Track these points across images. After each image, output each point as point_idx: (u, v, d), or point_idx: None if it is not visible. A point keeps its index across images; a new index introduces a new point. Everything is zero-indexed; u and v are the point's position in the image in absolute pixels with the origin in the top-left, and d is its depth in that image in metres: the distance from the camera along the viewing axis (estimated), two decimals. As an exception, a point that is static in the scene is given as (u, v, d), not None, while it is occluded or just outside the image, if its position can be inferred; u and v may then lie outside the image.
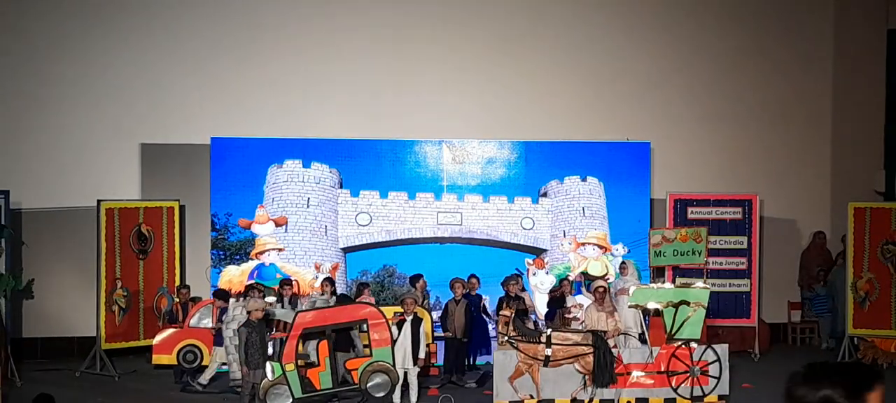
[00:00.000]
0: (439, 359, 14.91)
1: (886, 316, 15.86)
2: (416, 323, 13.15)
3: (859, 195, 17.43)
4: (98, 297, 15.39)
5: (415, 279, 14.91)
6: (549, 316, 14.75)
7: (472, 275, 14.99)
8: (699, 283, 13.45)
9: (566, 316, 14.12)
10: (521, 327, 12.76)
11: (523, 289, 15.11)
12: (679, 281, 15.36)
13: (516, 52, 17.53)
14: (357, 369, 12.75)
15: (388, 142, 16.16)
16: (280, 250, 15.79)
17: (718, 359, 12.81)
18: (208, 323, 14.48)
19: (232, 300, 14.16)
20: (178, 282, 15.73)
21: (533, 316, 15.19)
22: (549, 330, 13.00)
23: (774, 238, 17.81)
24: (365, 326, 12.71)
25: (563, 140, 16.54)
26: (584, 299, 14.44)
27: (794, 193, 18.17)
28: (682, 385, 12.71)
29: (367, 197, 15.99)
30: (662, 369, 12.70)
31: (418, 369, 13.13)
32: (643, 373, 12.72)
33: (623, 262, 15.04)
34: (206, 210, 15.92)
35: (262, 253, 15.77)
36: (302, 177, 15.89)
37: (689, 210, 16.37)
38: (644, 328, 13.06)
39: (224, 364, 13.84)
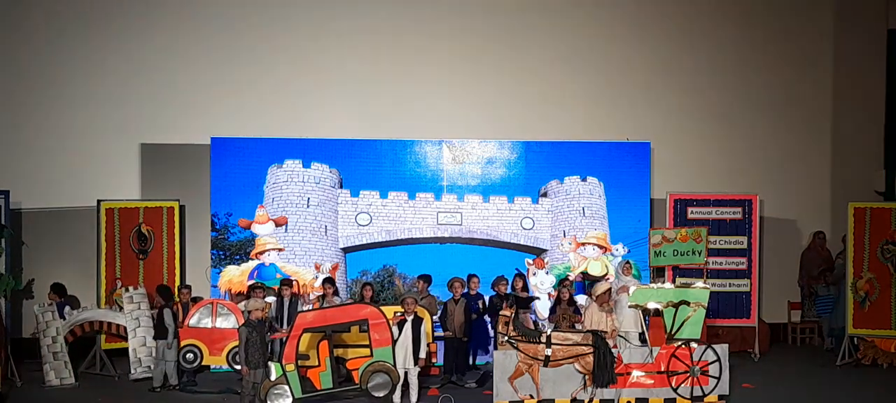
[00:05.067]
0: (439, 359, 14.92)
1: (886, 315, 15.87)
2: (417, 322, 13.15)
3: (859, 195, 17.44)
4: (98, 297, 15.43)
5: (425, 278, 14.91)
6: (551, 312, 14.80)
7: (472, 275, 14.98)
8: (699, 283, 13.44)
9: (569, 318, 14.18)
10: (520, 327, 12.76)
11: (524, 288, 15.12)
12: (679, 281, 15.39)
13: (517, 52, 17.55)
14: (358, 369, 12.77)
15: (388, 142, 16.17)
16: (280, 250, 15.80)
17: (718, 359, 12.81)
18: (208, 323, 14.53)
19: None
20: (178, 282, 15.74)
21: (533, 317, 15.20)
22: (549, 330, 13.01)
23: (774, 238, 17.83)
24: (365, 326, 12.72)
25: (563, 140, 16.55)
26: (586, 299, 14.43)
27: (794, 193, 18.19)
28: (682, 385, 12.71)
29: (367, 197, 16.00)
30: (662, 369, 12.71)
31: (419, 369, 13.13)
32: (643, 373, 12.73)
33: (627, 262, 15.05)
34: (206, 210, 15.94)
35: (262, 253, 15.79)
36: (302, 177, 15.91)
37: (689, 210, 16.39)
38: (644, 328, 13.05)
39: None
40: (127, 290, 14.74)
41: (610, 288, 13.50)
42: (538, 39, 17.62)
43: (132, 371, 14.48)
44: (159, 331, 14.15)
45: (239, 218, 15.83)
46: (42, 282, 15.71)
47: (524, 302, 14.67)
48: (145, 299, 14.72)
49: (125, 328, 14.59)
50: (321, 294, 14.85)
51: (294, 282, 15.09)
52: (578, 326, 13.61)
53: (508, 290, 14.69)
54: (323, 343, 12.67)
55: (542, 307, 15.68)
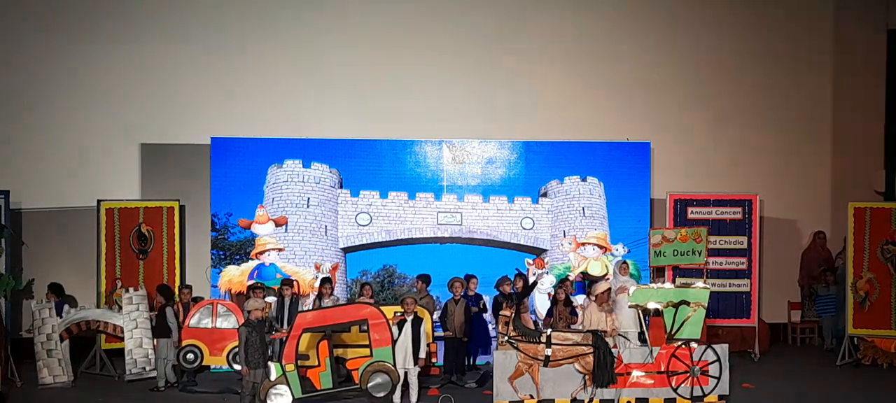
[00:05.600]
0: (439, 359, 14.92)
1: (886, 316, 15.87)
2: (417, 322, 13.15)
3: (859, 195, 17.44)
4: (98, 297, 15.42)
5: (424, 278, 14.91)
6: (548, 313, 14.81)
7: (471, 275, 14.97)
8: (699, 283, 13.45)
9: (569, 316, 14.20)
10: (521, 327, 12.76)
11: (524, 288, 15.12)
12: (679, 281, 15.39)
13: (516, 52, 17.54)
14: (358, 369, 12.77)
15: (388, 142, 16.17)
16: (280, 250, 15.80)
17: (718, 359, 12.81)
18: (208, 323, 14.54)
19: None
20: (178, 282, 15.74)
21: (533, 316, 15.20)
22: (549, 330, 13.01)
23: (774, 238, 17.82)
24: (365, 326, 12.72)
25: (563, 140, 16.55)
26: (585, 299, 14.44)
27: (794, 193, 18.18)
28: (682, 385, 12.71)
29: (367, 197, 16.00)
30: (662, 369, 12.71)
31: (419, 369, 13.13)
32: (643, 373, 12.73)
33: (624, 262, 15.07)
34: (206, 210, 15.94)
35: (262, 253, 15.78)
36: (302, 177, 15.91)
37: (689, 210, 16.39)
38: (644, 327, 13.05)
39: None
40: (127, 291, 14.74)
41: (609, 288, 13.51)
42: (538, 39, 17.60)
43: (126, 372, 14.45)
44: (161, 330, 14.13)
45: (239, 218, 15.83)
46: (42, 282, 15.70)
47: (528, 290, 14.66)
48: (144, 301, 14.71)
49: (122, 328, 14.57)
50: (318, 294, 14.84)
51: (295, 282, 15.08)
52: (576, 327, 13.61)
53: (512, 291, 14.68)
54: (323, 344, 12.67)
55: (541, 307, 15.68)
